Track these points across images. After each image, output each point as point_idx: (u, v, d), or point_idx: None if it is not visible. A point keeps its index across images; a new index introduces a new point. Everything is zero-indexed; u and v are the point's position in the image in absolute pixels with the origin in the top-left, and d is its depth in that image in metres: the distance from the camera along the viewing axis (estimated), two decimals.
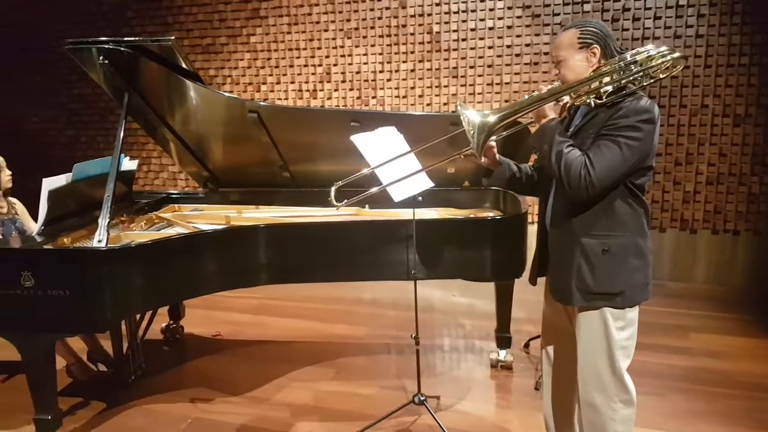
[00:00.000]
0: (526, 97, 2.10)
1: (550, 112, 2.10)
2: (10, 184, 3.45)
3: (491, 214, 3.64)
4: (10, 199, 3.50)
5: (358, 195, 2.59)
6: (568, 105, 2.15)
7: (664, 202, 5.32)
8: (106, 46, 3.12)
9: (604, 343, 2.16)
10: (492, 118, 2.00)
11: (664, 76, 2.13)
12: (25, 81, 7.18)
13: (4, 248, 2.90)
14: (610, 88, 2.04)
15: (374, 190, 2.62)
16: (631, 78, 2.04)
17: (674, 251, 5.35)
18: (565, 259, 2.15)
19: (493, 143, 2.31)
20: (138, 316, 3.65)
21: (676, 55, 2.07)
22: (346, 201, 2.52)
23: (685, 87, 5.10)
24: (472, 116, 2.01)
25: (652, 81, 2.11)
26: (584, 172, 1.97)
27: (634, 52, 2.06)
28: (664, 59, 2.06)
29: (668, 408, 3.25)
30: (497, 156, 2.35)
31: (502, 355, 3.68)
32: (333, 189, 2.48)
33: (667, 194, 5.30)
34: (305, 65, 6.08)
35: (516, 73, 5.46)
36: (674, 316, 4.52)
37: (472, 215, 3.62)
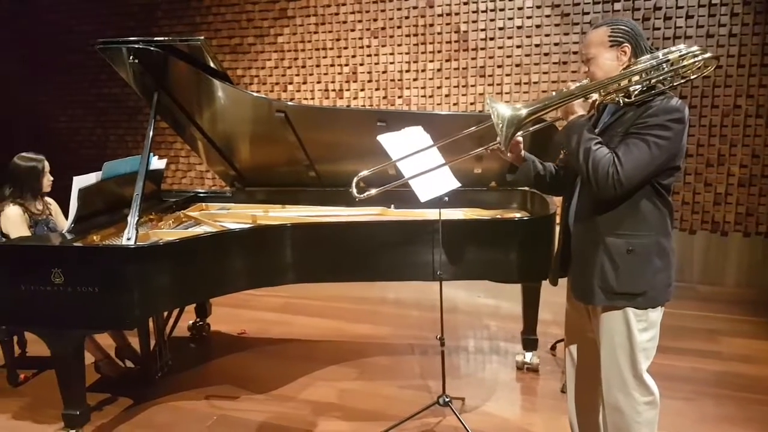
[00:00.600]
0: (554, 93, 2.09)
1: (579, 108, 2.09)
2: (49, 189, 3.52)
3: (518, 215, 3.61)
4: (47, 199, 3.57)
5: (382, 188, 2.57)
6: (596, 103, 2.13)
7: (695, 204, 5.22)
8: (137, 46, 3.16)
9: (626, 344, 2.13)
10: (522, 112, 2.00)
11: (695, 76, 2.11)
12: (55, 80, 7.32)
13: (34, 245, 2.95)
14: (639, 87, 2.03)
15: (398, 182, 2.60)
16: (661, 77, 2.02)
17: (705, 254, 5.26)
18: (588, 258, 2.14)
19: (520, 139, 2.30)
20: (165, 314, 3.69)
21: (708, 55, 2.04)
22: (367, 193, 2.50)
23: (718, 87, 5.00)
24: (502, 110, 2.00)
25: (682, 81, 2.10)
26: (612, 169, 1.96)
27: (666, 51, 2.04)
28: (695, 59, 2.03)
29: (698, 413, 3.19)
30: (523, 152, 2.35)
31: (528, 357, 3.65)
32: (354, 180, 2.49)
33: (698, 196, 5.20)
34: (332, 65, 6.09)
35: (544, 73, 5.41)
36: (704, 319, 4.43)
37: (498, 216, 3.59)
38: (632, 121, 2.01)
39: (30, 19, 7.21)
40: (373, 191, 2.51)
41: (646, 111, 1.99)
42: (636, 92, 2.03)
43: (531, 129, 2.27)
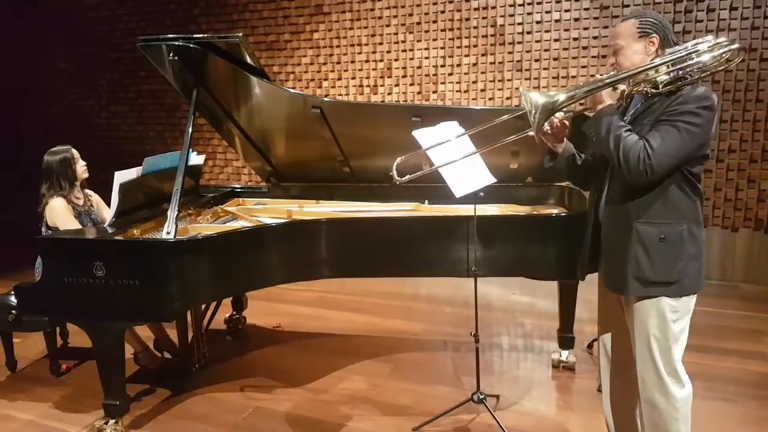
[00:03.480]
0: (582, 83, 2.15)
1: (608, 98, 2.11)
2: (86, 175, 3.59)
3: (555, 211, 3.56)
4: (87, 191, 3.65)
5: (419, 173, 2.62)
6: (625, 93, 2.15)
7: (737, 201, 5.09)
8: (176, 43, 3.20)
9: (660, 335, 2.13)
10: (555, 98, 2.05)
11: (722, 68, 2.10)
12: (98, 77, 7.49)
13: (77, 239, 3.02)
14: (666, 77, 2.04)
15: (435, 167, 2.65)
16: (688, 67, 2.03)
17: (748, 252, 5.12)
18: (621, 248, 2.15)
19: (566, 122, 2.35)
20: (203, 307, 3.75)
21: (736, 46, 2.05)
22: (408, 177, 2.57)
23: (762, 81, 4.85)
24: (535, 97, 2.05)
25: (708, 73, 2.09)
26: (643, 154, 1.98)
27: (695, 42, 2.06)
28: (723, 50, 2.03)
29: (740, 414, 3.11)
30: (564, 140, 2.39)
31: (564, 355, 3.61)
32: (395, 164, 2.58)
33: (740, 192, 5.07)
34: (366, 61, 6.10)
35: (583, 66, 5.33)
36: (747, 319, 4.31)
37: (535, 212, 3.55)
38: (662, 110, 2.03)
39: (76, 17, 7.39)
40: (410, 176, 2.58)
41: (675, 99, 2.01)
42: (664, 83, 2.04)
43: (561, 115, 2.31)
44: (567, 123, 2.35)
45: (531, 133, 2.24)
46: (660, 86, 2.05)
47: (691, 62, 2.02)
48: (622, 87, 2.10)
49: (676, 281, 2.08)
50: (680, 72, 2.03)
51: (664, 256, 2.07)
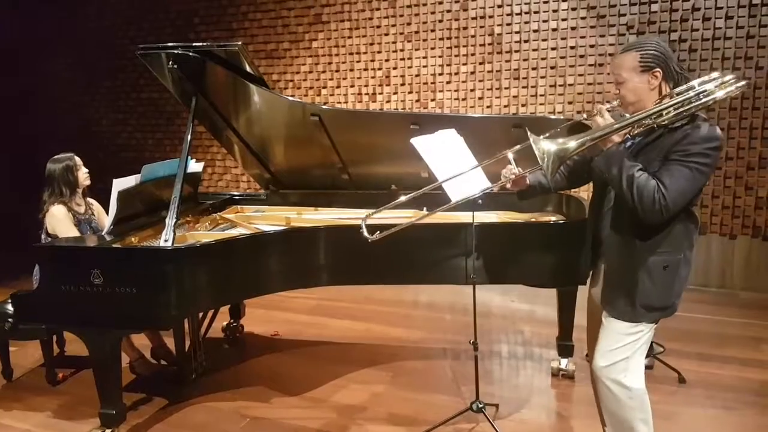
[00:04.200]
0: (584, 116, 2.23)
1: (615, 137, 2.14)
2: (88, 182, 3.59)
3: (554, 219, 3.56)
4: (89, 199, 3.65)
5: (390, 231, 2.57)
6: (632, 132, 2.19)
7: (735, 208, 5.09)
8: (176, 52, 3.21)
9: (631, 343, 2.24)
10: (568, 146, 2.07)
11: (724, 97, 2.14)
12: (98, 85, 7.50)
13: (75, 246, 3.02)
14: (672, 111, 2.06)
15: (406, 224, 2.73)
16: (695, 107, 2.05)
17: (746, 259, 5.12)
18: (627, 276, 2.22)
19: (526, 174, 2.52)
20: (200, 315, 3.74)
21: (742, 83, 2.08)
22: (378, 233, 2.56)
23: (758, 89, 4.87)
24: (546, 145, 2.08)
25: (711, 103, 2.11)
26: (658, 195, 2.02)
27: (701, 81, 2.08)
28: (730, 88, 2.07)
29: (739, 422, 3.10)
30: (527, 180, 2.58)
31: (564, 363, 3.60)
32: (363, 223, 2.55)
33: (738, 200, 5.07)
34: (365, 69, 6.11)
35: (580, 75, 5.34)
36: (746, 327, 4.31)
37: (533, 219, 3.55)
38: (670, 147, 2.07)
39: (76, 25, 7.41)
40: (380, 234, 2.57)
41: (684, 137, 2.05)
42: (669, 117, 2.07)
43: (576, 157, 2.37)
44: (526, 174, 2.52)
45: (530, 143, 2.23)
46: (666, 121, 2.07)
47: (698, 102, 2.04)
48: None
49: (671, 304, 2.21)
50: (687, 108, 2.05)
51: (664, 283, 2.17)
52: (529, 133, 2.13)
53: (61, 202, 3.42)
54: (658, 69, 2.10)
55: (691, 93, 2.04)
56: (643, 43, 2.15)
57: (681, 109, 2.04)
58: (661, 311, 2.20)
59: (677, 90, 2.08)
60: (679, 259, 2.16)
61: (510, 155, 2.49)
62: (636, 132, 2.17)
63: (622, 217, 2.21)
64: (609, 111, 2.17)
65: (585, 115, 2.19)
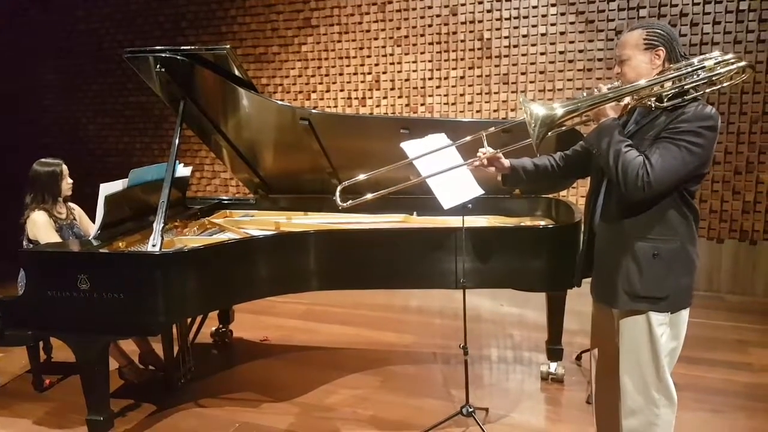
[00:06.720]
0: (584, 94, 2.09)
1: (611, 111, 2.09)
2: (69, 192, 3.56)
3: (543, 223, 3.57)
4: (70, 204, 3.61)
5: (363, 199, 2.57)
6: (629, 106, 2.13)
7: (723, 212, 5.13)
8: (163, 55, 3.19)
9: (649, 348, 2.14)
10: (557, 112, 2.01)
11: (728, 83, 2.10)
12: (85, 89, 7.45)
13: (61, 251, 2.99)
14: (672, 92, 2.02)
15: (382, 192, 2.65)
16: (694, 84, 2.01)
17: (733, 263, 5.16)
18: (614, 261, 2.16)
19: (500, 154, 2.44)
20: (188, 320, 3.71)
21: (743, 63, 2.03)
22: (350, 201, 2.56)
23: (746, 94, 4.91)
24: (536, 109, 2.01)
25: (714, 88, 2.10)
26: (642, 171, 1.97)
27: (701, 57, 2.03)
28: (730, 67, 2.02)
29: (728, 425, 3.12)
30: (506, 162, 2.47)
31: (553, 367, 3.60)
32: (339, 188, 2.56)
33: (725, 204, 5.11)
34: (354, 73, 6.11)
35: (569, 80, 5.37)
36: (734, 330, 4.33)
37: (523, 223, 3.56)
38: (664, 126, 2.02)
39: (64, 28, 7.36)
40: (353, 201, 2.57)
41: (678, 116, 2.00)
42: (668, 97, 2.03)
43: (564, 128, 2.28)
44: (500, 154, 2.45)
45: (523, 145, 2.22)
46: (665, 100, 2.03)
47: (696, 78, 2.00)
48: (626, 100, 2.08)
49: (665, 297, 2.10)
50: (686, 87, 2.01)
51: (656, 272, 2.08)
52: (521, 97, 2.12)
53: (43, 209, 3.39)
54: (661, 48, 2.06)
55: (689, 68, 2.00)
56: (651, 22, 2.15)
57: (678, 84, 1.99)
58: (648, 303, 2.09)
59: (675, 65, 2.04)
60: (672, 249, 2.07)
61: (483, 135, 2.47)
62: (635, 113, 2.15)
63: (611, 198, 2.16)
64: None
65: (585, 93, 2.11)
